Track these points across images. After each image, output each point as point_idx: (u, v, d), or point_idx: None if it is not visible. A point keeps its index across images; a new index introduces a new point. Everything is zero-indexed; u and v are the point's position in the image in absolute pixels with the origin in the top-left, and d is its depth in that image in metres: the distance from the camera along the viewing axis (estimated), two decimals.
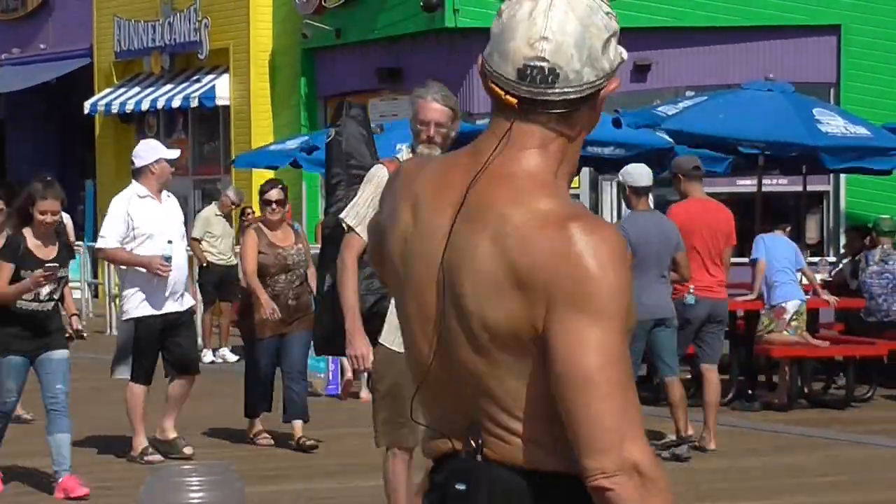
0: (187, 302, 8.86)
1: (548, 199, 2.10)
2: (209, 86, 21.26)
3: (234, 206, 14.99)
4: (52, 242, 7.75)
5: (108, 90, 22.86)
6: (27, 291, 7.60)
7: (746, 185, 16.14)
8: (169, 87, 21.87)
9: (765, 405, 11.14)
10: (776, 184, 16.45)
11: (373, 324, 5.55)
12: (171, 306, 8.68)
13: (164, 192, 8.76)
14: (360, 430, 9.69)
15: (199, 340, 15.87)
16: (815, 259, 14.99)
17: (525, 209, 2.08)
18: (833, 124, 12.30)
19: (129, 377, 8.71)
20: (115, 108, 22.38)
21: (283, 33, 20.79)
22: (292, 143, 16.72)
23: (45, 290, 7.63)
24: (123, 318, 8.80)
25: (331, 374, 11.48)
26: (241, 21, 20.96)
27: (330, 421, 10.16)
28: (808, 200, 15.83)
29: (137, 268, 8.58)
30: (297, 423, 9.22)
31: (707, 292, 9.30)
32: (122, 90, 22.65)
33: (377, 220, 2.30)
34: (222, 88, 21.15)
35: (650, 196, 8.90)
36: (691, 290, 9.15)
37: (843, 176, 17.34)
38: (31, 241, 7.69)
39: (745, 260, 12.35)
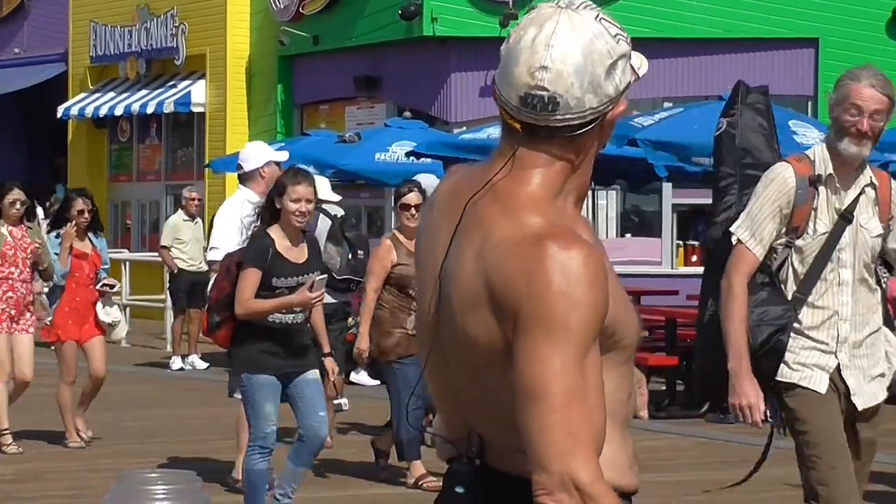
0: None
1: (535, 217, 2.12)
2: (185, 91, 21.16)
3: (198, 202, 15.01)
4: (301, 242, 6.61)
5: (82, 95, 22.72)
6: (287, 307, 6.48)
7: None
8: (144, 92, 21.76)
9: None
10: None
11: (766, 363, 4.56)
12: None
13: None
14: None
15: (169, 347, 15.85)
16: None
17: (510, 226, 2.11)
18: (810, 136, 12.29)
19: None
20: (88, 113, 22.25)
21: (261, 40, 20.71)
22: None
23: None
24: None
25: None
26: (218, 27, 20.88)
27: None
28: None
29: None
30: (417, 462, 8.08)
31: None
32: (97, 95, 22.51)
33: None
34: (198, 94, 21.03)
35: None
36: None
37: None
38: (280, 243, 6.52)
39: None
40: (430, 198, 2.32)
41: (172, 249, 14.51)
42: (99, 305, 9.37)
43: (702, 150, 11.98)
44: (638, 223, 18.20)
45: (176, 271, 14.60)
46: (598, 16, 2.19)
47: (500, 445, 2.16)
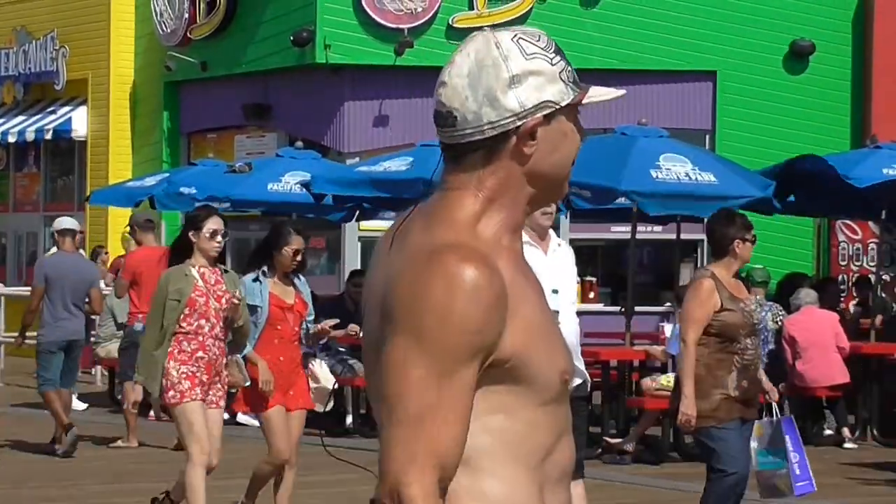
0: (576, 378, 6.42)
1: (446, 232, 2.11)
2: (65, 118, 20.64)
3: (80, 234, 14.34)
4: None
5: None
6: None
7: (621, 231, 15.94)
8: (21, 118, 21.16)
9: (637, 459, 11.06)
10: (651, 231, 16.25)
11: None
12: None
13: (556, 240, 7.04)
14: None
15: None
16: None
17: (422, 239, 2.11)
18: (673, 170, 12.18)
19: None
20: None
21: (146, 65, 20.19)
22: (151, 180, 16.15)
23: None
24: None
25: (796, 466, 7.74)
26: (101, 51, 20.38)
27: None
28: (682, 248, 15.64)
29: None
30: None
31: None
32: None
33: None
34: (79, 121, 20.52)
35: (76, 238, 11.66)
36: (140, 318, 11.10)
37: None
38: None
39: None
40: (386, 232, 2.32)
41: None
42: (315, 370, 7.66)
43: (575, 183, 11.79)
44: None
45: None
46: (515, 36, 2.17)
47: None
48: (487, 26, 2.25)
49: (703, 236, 17.65)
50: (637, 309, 12.89)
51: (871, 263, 16.27)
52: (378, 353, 2.10)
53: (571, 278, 6.87)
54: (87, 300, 11.46)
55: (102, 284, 12.53)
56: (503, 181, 2.15)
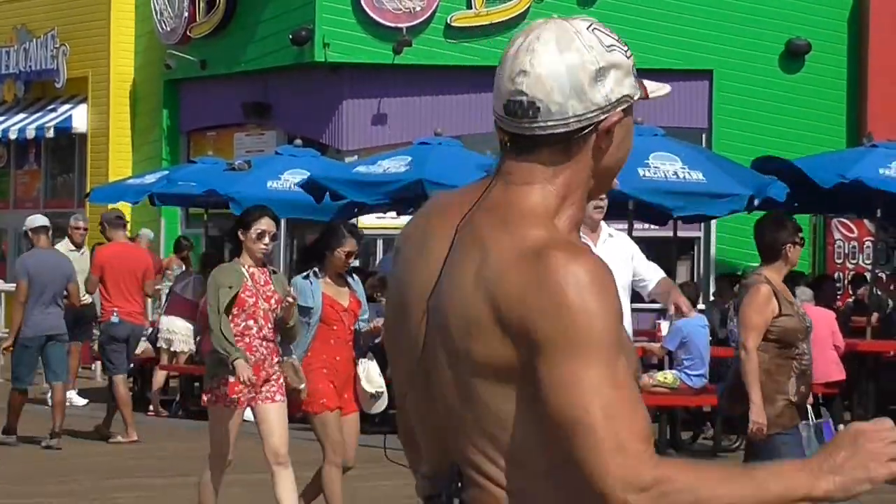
0: None
1: (535, 229, 2.05)
2: (65, 115, 20.70)
3: (84, 231, 14.41)
4: None
5: None
6: None
7: (617, 229, 15.97)
8: (22, 115, 21.22)
9: None
10: (648, 228, 16.33)
11: None
12: None
13: (606, 231, 6.88)
14: None
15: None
16: None
17: (509, 239, 2.05)
18: (661, 168, 12.19)
19: None
20: None
21: (146, 63, 20.25)
22: (151, 178, 16.22)
23: None
24: None
25: None
26: (101, 49, 20.43)
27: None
28: (679, 246, 15.71)
29: None
30: None
31: (128, 317, 11.93)
32: None
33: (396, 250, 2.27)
34: (79, 119, 20.59)
35: (49, 234, 11.76)
36: (115, 313, 11.78)
37: (713, 222, 17.33)
38: None
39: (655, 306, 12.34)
40: (412, 222, 2.21)
41: None
42: (360, 370, 7.42)
43: None
44: None
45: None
46: (591, 25, 2.14)
47: (483, 483, 2.06)
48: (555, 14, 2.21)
49: (700, 234, 17.84)
50: (634, 306, 12.93)
51: (867, 261, 16.35)
52: (462, 364, 2.04)
53: (627, 267, 6.88)
54: (65, 294, 11.58)
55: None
56: (575, 175, 2.10)
